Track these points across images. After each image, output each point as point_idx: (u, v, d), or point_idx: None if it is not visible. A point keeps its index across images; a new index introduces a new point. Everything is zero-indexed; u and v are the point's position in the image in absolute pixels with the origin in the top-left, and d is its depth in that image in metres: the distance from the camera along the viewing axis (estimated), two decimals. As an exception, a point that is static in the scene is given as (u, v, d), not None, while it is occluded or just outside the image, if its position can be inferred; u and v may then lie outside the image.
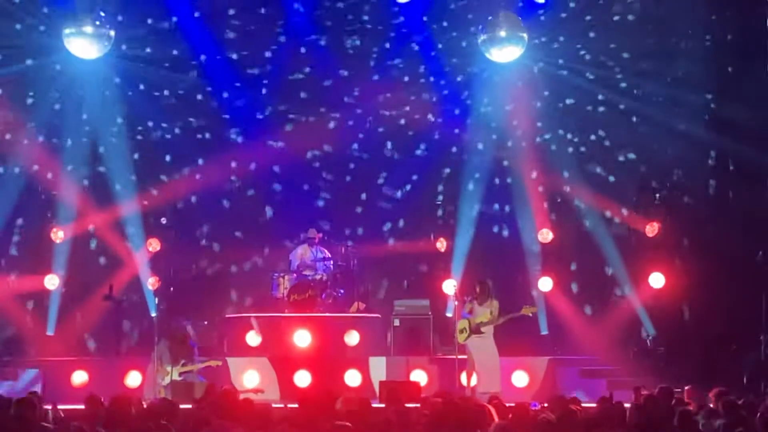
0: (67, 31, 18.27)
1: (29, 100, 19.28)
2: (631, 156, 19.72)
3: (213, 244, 20.23)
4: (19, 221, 19.27)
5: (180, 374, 16.48)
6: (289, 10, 20.02)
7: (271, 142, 20.34)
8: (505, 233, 20.19)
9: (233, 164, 20.16)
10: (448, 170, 20.42)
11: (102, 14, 18.33)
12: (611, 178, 19.73)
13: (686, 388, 12.37)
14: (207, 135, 20.26)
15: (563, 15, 19.61)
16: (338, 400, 10.29)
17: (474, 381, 16.30)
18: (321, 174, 20.52)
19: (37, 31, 18.95)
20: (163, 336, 16.95)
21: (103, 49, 18.42)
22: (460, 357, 16.55)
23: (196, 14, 19.58)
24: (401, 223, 20.45)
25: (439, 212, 20.41)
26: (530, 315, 16.79)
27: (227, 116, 20.27)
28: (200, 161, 20.11)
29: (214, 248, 20.20)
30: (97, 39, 18.30)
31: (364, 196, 20.46)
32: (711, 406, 10.91)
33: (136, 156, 19.63)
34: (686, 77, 19.27)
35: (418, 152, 20.51)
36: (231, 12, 19.78)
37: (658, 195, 19.55)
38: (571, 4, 19.58)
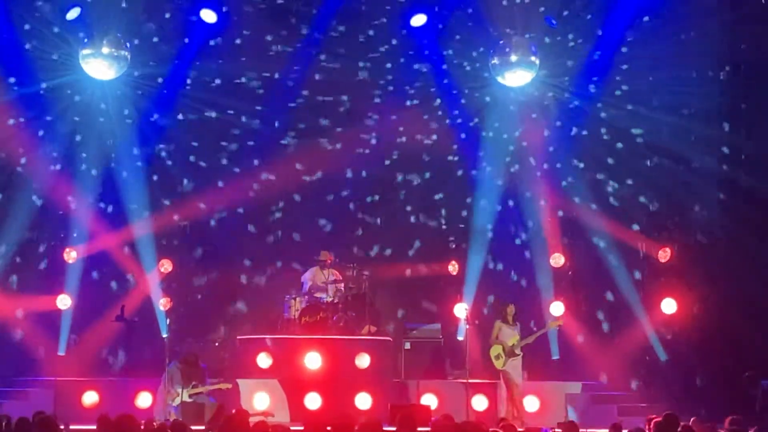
0: (84, 52, 18.41)
1: (44, 122, 19.34)
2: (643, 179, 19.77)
3: (225, 266, 20.27)
4: (33, 241, 19.31)
5: (190, 396, 16.48)
6: (307, 35, 20.15)
7: (285, 164, 20.38)
8: (517, 257, 20.17)
9: (250, 186, 20.23)
10: (460, 194, 20.47)
11: (119, 35, 18.46)
12: (622, 205, 19.70)
13: (692, 419, 12.22)
14: (221, 157, 20.35)
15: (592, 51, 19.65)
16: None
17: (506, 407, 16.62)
18: (334, 198, 20.56)
19: (57, 54, 19.06)
20: (174, 358, 16.96)
21: (119, 70, 18.55)
22: (470, 381, 16.56)
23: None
24: (414, 246, 20.47)
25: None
26: (557, 328, 17.46)
27: (242, 137, 20.36)
28: (215, 183, 20.17)
29: (226, 269, 20.25)
30: (114, 60, 18.43)
31: (378, 219, 20.54)
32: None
33: (148, 177, 19.70)
34: (701, 109, 19.31)
35: (431, 175, 20.55)
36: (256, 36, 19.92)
37: (668, 222, 19.54)
38: (598, 32, 19.59)
